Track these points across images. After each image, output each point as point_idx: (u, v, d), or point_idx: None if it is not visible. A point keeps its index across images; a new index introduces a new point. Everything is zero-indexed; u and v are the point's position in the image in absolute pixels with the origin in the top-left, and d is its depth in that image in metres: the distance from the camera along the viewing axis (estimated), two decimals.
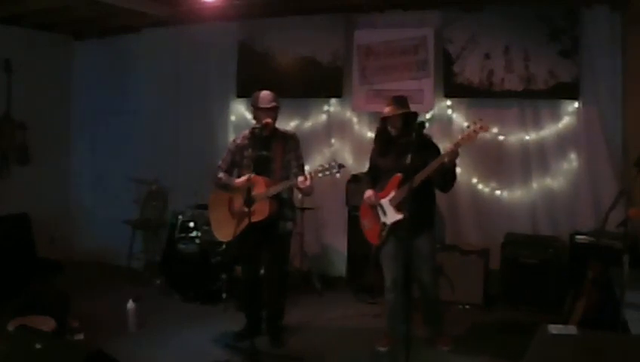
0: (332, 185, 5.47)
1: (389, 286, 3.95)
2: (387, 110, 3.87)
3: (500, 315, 4.71)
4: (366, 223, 4.05)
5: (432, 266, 4.00)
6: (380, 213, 3.89)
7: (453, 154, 3.63)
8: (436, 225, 4.09)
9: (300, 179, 3.77)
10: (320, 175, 3.79)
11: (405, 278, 3.87)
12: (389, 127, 3.91)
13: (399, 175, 3.80)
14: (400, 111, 3.84)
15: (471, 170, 5.26)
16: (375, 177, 4.04)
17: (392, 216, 3.82)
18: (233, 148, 4.20)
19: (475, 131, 3.58)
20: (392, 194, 3.82)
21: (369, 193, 3.95)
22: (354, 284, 5.41)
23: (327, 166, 3.80)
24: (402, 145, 3.80)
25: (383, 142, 3.98)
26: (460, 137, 3.65)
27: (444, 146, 3.86)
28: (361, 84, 5.56)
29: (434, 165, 3.66)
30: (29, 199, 5.97)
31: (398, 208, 3.79)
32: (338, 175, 3.89)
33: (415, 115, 3.93)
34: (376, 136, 4.09)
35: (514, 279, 4.80)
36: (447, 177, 3.77)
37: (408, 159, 3.63)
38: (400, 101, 3.91)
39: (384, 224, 3.87)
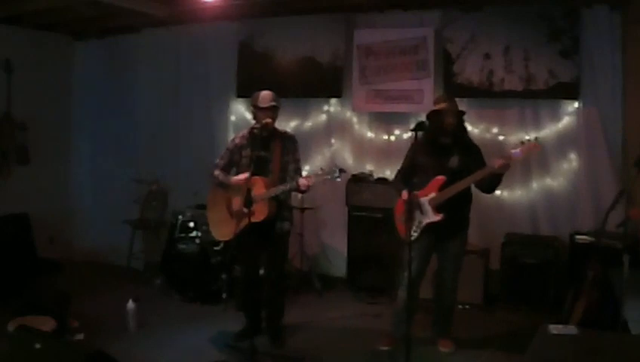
0: (332, 185, 5.45)
1: (407, 282, 3.94)
2: (442, 105, 3.82)
3: (500, 315, 4.71)
4: (400, 217, 4.00)
5: (456, 269, 4.00)
6: (417, 211, 3.85)
7: (506, 168, 3.61)
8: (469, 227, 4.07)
9: (302, 181, 3.79)
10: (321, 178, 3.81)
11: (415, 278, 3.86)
12: (437, 125, 3.84)
13: (442, 177, 3.78)
14: (456, 108, 3.83)
15: None
16: (408, 176, 3.93)
17: (429, 217, 3.80)
18: (232, 147, 4.19)
19: (528, 148, 3.57)
20: (433, 195, 3.80)
21: (405, 194, 3.84)
22: (354, 284, 5.41)
23: (327, 170, 3.82)
24: (445, 145, 3.81)
25: (426, 141, 3.90)
26: (511, 151, 3.62)
27: None
28: (361, 84, 5.56)
29: (479, 175, 3.65)
30: (29, 199, 5.96)
31: (437, 209, 3.79)
32: (339, 179, 3.89)
33: (463, 113, 3.93)
34: (421, 134, 3.99)
35: (514, 279, 4.79)
36: (494, 182, 3.77)
37: (452, 162, 3.69)
38: (451, 98, 3.92)
39: (419, 222, 3.85)
